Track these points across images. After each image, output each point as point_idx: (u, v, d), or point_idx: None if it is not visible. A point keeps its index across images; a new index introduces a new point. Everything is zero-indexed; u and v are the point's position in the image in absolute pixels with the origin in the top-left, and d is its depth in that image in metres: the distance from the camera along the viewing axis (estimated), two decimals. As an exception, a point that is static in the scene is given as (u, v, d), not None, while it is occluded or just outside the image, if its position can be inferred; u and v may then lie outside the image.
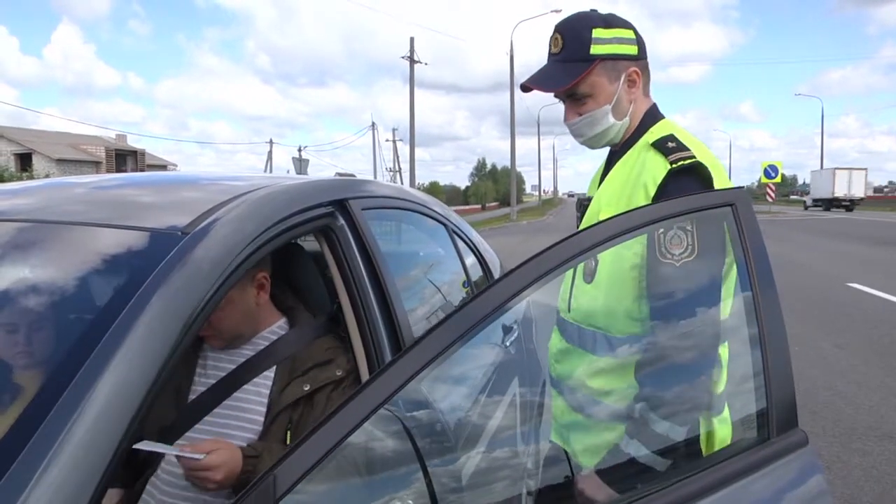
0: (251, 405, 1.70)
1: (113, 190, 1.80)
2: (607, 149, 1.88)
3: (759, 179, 37.66)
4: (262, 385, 1.72)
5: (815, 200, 49.23)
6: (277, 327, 1.83)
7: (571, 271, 1.76)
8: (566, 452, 1.84)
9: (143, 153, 48.54)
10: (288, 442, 1.65)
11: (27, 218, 1.50)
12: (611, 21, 1.72)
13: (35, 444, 0.92)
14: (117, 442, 0.96)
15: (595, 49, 1.68)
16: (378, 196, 2.16)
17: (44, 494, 0.88)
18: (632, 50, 1.72)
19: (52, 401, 0.98)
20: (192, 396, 1.73)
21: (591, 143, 1.81)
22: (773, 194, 37.25)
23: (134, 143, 50.83)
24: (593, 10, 1.75)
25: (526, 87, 1.77)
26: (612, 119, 1.74)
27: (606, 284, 1.68)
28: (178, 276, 1.18)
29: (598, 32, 1.69)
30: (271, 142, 60.80)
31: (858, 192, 46.18)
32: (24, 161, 41.25)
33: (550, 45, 1.74)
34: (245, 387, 1.71)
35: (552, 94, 1.77)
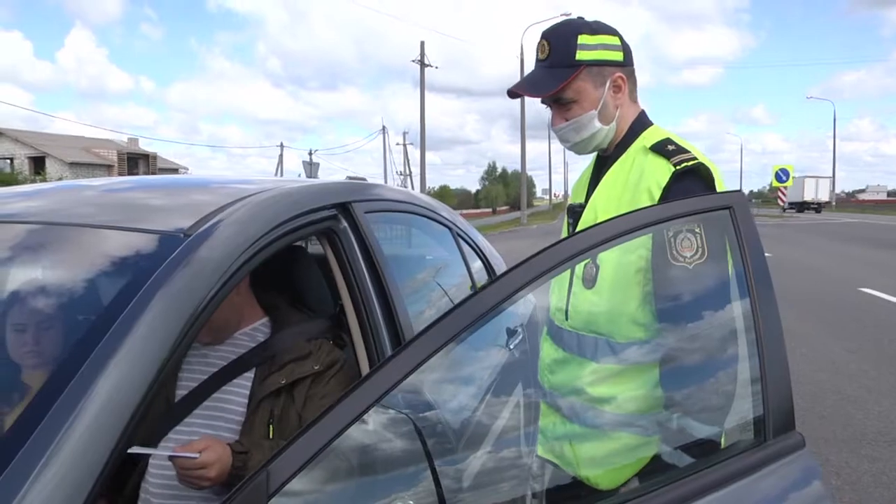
0: (233, 403, 1.72)
1: (119, 193, 1.83)
2: (592, 155, 1.90)
3: (771, 183, 38.05)
4: (243, 383, 1.74)
5: (790, 203, 56.74)
6: (261, 325, 1.86)
7: (567, 280, 1.76)
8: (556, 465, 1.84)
9: (154, 157, 48.86)
10: (271, 436, 1.67)
11: (33, 220, 1.52)
12: (596, 28, 1.74)
13: (35, 441, 0.94)
14: (116, 440, 0.98)
15: (580, 55, 1.70)
16: (382, 199, 2.17)
17: (43, 490, 0.89)
18: (617, 56, 1.74)
19: (52, 398, 0.99)
20: (178, 392, 1.75)
21: (578, 149, 1.82)
22: (784, 198, 37.81)
23: (146, 146, 51.10)
24: (580, 18, 1.78)
25: (513, 93, 1.80)
26: (598, 124, 1.75)
27: (609, 290, 1.68)
28: (179, 277, 1.20)
29: (583, 39, 1.71)
30: (282, 145, 61.08)
31: (824, 196, 55.70)
32: (38, 164, 41.61)
33: (538, 52, 1.77)
34: (227, 386, 1.73)
35: (539, 100, 1.79)
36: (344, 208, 1.82)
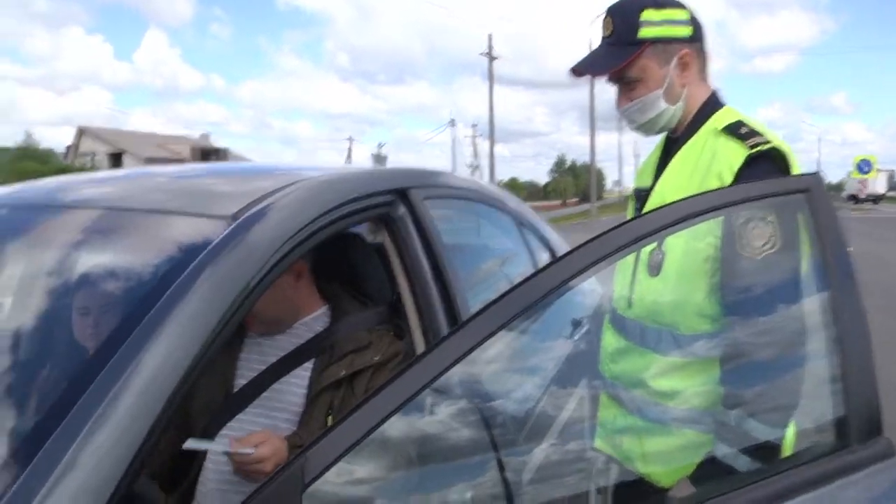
0: (292, 394, 1.70)
1: (172, 179, 1.83)
2: (658, 137, 1.82)
3: (850, 174, 37.05)
4: (302, 374, 1.72)
5: (848, 196, 59.67)
6: (321, 314, 1.83)
7: (631, 266, 1.68)
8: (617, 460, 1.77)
9: (226, 151, 49.99)
10: None
11: (85, 206, 1.55)
12: (663, 2, 1.64)
13: (79, 412, 0.98)
14: (155, 418, 0.99)
15: (644, 32, 1.62)
16: (442, 186, 2.12)
17: (90, 459, 0.93)
18: (684, 32, 1.65)
19: (93, 377, 1.01)
20: (237, 382, 1.74)
21: (644, 130, 1.74)
22: (864, 189, 37.18)
23: (217, 142, 52.42)
24: None
25: (576, 71, 1.72)
26: (663, 104, 1.67)
27: (675, 278, 1.60)
28: (225, 260, 1.18)
29: (647, 14, 1.62)
30: (351, 139, 61.73)
31: (881, 189, 58.07)
32: (116, 160, 43.28)
33: (603, 28, 1.69)
34: (286, 376, 1.71)
35: (605, 81, 1.72)
36: (402, 194, 1.77)
